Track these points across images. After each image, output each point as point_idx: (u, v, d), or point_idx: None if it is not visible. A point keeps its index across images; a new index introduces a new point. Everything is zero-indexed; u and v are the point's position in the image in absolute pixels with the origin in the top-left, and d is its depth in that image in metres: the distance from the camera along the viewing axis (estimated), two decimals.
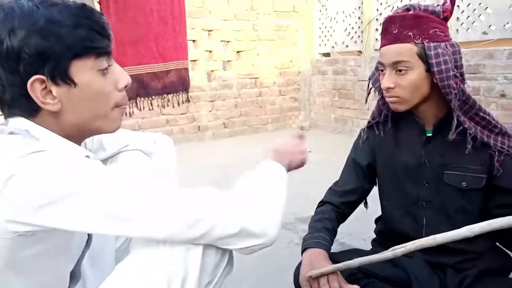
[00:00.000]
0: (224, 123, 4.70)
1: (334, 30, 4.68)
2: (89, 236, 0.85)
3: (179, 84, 4.32)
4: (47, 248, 0.72)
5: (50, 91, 0.71)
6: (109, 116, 0.78)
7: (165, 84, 4.19)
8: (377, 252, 1.24)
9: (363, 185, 1.25)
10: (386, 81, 1.04)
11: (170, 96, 4.28)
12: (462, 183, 1.07)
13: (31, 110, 0.72)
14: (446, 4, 1.02)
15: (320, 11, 4.85)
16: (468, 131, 1.02)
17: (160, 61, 4.09)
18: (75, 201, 0.64)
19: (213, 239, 0.71)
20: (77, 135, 0.78)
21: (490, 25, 3.22)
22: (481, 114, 1.04)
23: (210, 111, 4.58)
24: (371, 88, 1.19)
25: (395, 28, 1.02)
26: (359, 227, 1.97)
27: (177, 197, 0.70)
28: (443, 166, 1.09)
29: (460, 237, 0.81)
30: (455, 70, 1.00)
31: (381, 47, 1.07)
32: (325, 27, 4.79)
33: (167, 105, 4.31)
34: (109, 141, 1.02)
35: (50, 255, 0.74)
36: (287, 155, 0.93)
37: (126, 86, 0.80)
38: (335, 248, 1.49)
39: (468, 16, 3.35)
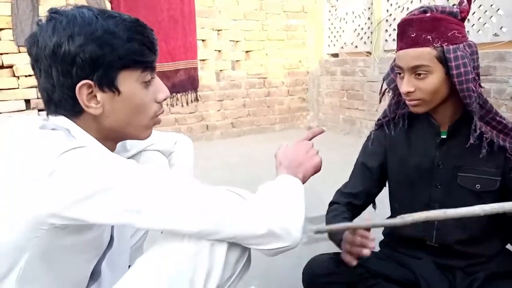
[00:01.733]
0: (232, 123, 4.71)
1: (343, 31, 4.66)
2: (112, 236, 0.87)
3: (188, 83, 4.34)
4: (75, 243, 0.75)
5: (95, 96, 0.76)
6: (145, 125, 0.83)
7: (174, 83, 4.21)
8: (384, 254, 1.24)
9: (370, 189, 1.24)
10: (406, 85, 1.03)
11: (179, 95, 4.30)
12: (476, 186, 1.06)
13: (75, 111, 0.77)
14: (463, 4, 1.01)
15: (330, 11, 4.84)
16: (485, 136, 1.02)
17: (170, 60, 4.12)
18: (112, 195, 0.67)
19: (240, 238, 0.73)
20: (113, 138, 0.83)
21: (502, 27, 3.19)
22: (498, 118, 1.03)
23: (218, 110, 4.60)
24: (386, 89, 1.18)
25: (413, 32, 1.00)
26: None
27: (210, 195, 0.72)
28: (457, 168, 1.08)
29: (470, 214, 0.82)
30: (473, 72, 0.99)
31: (398, 50, 1.05)
32: (334, 27, 4.78)
33: (176, 104, 4.33)
34: (132, 142, 1.05)
35: (77, 250, 0.76)
36: (300, 168, 0.88)
37: (165, 99, 0.84)
38: None
39: (479, 18, 3.32)
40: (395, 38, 4.37)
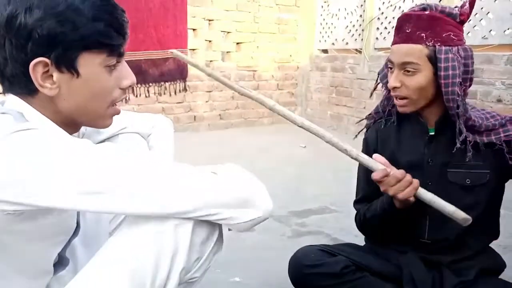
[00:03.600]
0: (220, 115, 4.68)
1: (335, 27, 4.66)
2: (78, 224, 0.83)
3: (177, 73, 4.29)
4: (34, 228, 0.71)
5: (51, 75, 0.70)
6: (103, 113, 0.78)
7: (162, 71, 4.16)
8: (370, 248, 1.24)
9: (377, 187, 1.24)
10: (393, 80, 1.04)
11: (167, 84, 4.25)
12: (467, 180, 1.08)
13: (29, 89, 0.71)
14: (465, 7, 1.02)
15: (322, 7, 4.83)
16: (468, 139, 1.03)
17: (159, 48, 4.06)
18: (61, 177, 0.62)
19: (212, 210, 0.70)
20: (70, 124, 0.78)
21: (491, 30, 3.23)
22: (478, 124, 1.04)
23: (206, 101, 4.57)
24: (378, 83, 1.19)
25: (409, 27, 1.01)
26: (351, 223, 1.98)
27: (173, 169, 0.70)
28: (446, 164, 1.09)
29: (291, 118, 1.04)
30: (464, 75, 1.00)
31: (392, 44, 1.06)
32: (326, 23, 4.77)
33: (164, 93, 4.28)
34: None
35: (34, 237, 0.72)
36: None
37: (130, 86, 0.79)
38: (327, 243, 1.50)
39: (470, 20, 3.35)
40: (386, 36, 4.34)
